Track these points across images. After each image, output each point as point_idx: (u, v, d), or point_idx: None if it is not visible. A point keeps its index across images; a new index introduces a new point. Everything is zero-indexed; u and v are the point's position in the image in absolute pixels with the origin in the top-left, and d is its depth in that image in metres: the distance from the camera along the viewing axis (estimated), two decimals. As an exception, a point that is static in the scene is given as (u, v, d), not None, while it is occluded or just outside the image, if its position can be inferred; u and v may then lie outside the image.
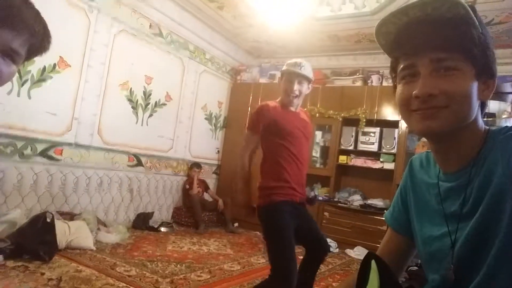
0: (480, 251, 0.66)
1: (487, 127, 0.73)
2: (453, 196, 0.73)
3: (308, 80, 2.04)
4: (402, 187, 0.91)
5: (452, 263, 0.71)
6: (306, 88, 2.06)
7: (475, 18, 0.64)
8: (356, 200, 4.79)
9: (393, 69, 0.76)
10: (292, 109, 2.08)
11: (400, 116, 0.75)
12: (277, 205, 1.91)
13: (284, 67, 2.03)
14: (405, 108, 0.71)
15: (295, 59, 2.03)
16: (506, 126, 0.71)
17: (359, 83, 5.20)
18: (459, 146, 0.71)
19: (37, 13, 0.72)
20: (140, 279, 2.57)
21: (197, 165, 5.07)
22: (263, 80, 5.69)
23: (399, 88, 0.73)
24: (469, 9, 0.64)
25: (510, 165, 0.63)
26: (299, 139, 2.03)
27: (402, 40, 0.71)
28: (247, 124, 2.19)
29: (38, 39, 0.73)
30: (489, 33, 0.69)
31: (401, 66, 0.72)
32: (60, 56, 3.46)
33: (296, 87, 1.99)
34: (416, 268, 3.09)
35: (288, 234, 1.86)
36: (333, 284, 3.12)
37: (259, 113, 2.05)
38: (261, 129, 2.02)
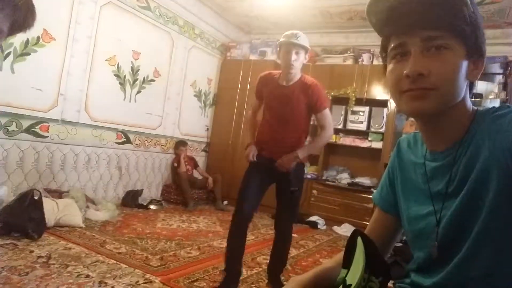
0: (464, 229, 0.68)
1: (475, 108, 0.74)
2: (439, 175, 0.74)
3: (305, 50, 2.15)
4: (389, 168, 0.93)
5: (436, 241, 0.73)
6: (303, 58, 2.18)
7: None
8: (344, 178, 4.87)
9: (384, 48, 0.76)
10: (286, 82, 2.20)
11: (390, 96, 0.76)
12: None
13: (282, 39, 2.13)
14: (396, 89, 0.71)
15: (291, 31, 2.13)
16: (493, 107, 0.72)
17: (349, 62, 5.17)
18: (447, 126, 0.72)
19: None
20: (130, 256, 2.60)
21: (183, 143, 5.03)
22: (253, 57, 5.61)
23: (390, 67, 0.73)
24: None
25: (496, 145, 0.65)
26: (284, 107, 2.22)
27: (393, 18, 0.70)
28: (256, 94, 2.42)
29: (21, 14, 0.69)
30: (479, 13, 0.69)
31: (392, 45, 0.72)
32: (44, 29, 3.33)
33: (293, 57, 2.09)
34: (401, 244, 3.18)
35: (246, 178, 2.27)
36: (320, 260, 3.19)
37: (259, 82, 2.33)
38: (265, 101, 2.31)
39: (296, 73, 2.18)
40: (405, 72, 0.67)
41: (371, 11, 0.74)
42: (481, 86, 4.43)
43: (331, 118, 2.33)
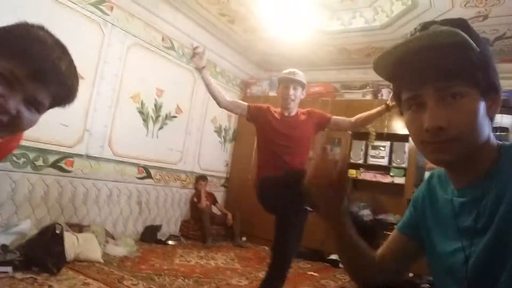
0: (496, 266, 0.65)
1: (500, 142, 0.73)
2: (467, 211, 0.73)
3: (302, 86, 2.30)
4: (416, 197, 0.92)
5: (466, 279, 0.70)
6: (300, 93, 2.33)
7: (471, 42, 0.63)
8: (366, 215, 4.72)
9: (397, 96, 0.76)
10: (288, 113, 2.34)
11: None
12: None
13: (280, 75, 2.31)
14: (417, 140, 0.71)
15: (290, 69, 2.30)
16: None
17: (369, 97, 5.18)
18: (472, 166, 0.71)
19: (69, 64, 0.71)
20: (148, 294, 2.55)
21: (202, 178, 5.05)
22: (272, 93, 5.69)
23: (407, 117, 0.73)
24: (465, 36, 0.63)
25: None
26: (292, 131, 2.33)
27: (402, 71, 0.70)
28: (251, 104, 2.48)
29: (65, 91, 0.73)
30: (487, 47, 0.69)
31: (405, 96, 0.72)
32: (73, 69, 3.51)
33: (291, 92, 2.25)
34: (429, 286, 3.02)
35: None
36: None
37: (258, 108, 2.44)
38: (260, 129, 2.40)
39: (294, 107, 2.33)
40: (424, 126, 0.67)
41: (378, 67, 0.75)
42: (506, 120, 4.32)
43: None
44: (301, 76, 2.29)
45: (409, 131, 0.74)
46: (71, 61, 0.72)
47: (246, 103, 2.51)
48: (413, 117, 0.70)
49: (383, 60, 0.72)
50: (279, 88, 2.31)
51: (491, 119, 0.71)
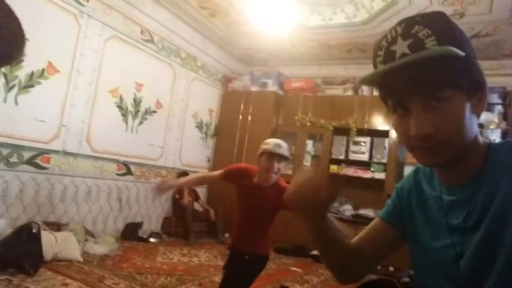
0: (487, 263, 0.66)
1: (488, 141, 0.73)
2: (457, 209, 0.73)
3: (286, 160, 2.27)
4: (400, 189, 0.91)
5: (458, 276, 0.71)
6: (283, 166, 2.28)
7: (457, 51, 0.61)
8: (347, 210, 4.79)
9: (383, 100, 0.75)
10: (268, 183, 2.25)
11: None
12: None
13: (265, 146, 2.23)
14: (405, 144, 0.71)
15: (275, 140, 2.26)
16: (507, 140, 0.72)
17: (349, 93, 5.24)
18: (462, 165, 0.71)
19: (6, 15, 0.66)
20: (130, 293, 2.50)
21: (184, 174, 4.98)
22: (254, 88, 5.68)
23: (394, 120, 0.72)
24: (453, 49, 0.61)
25: None
26: (260, 210, 2.25)
27: (386, 82, 0.70)
28: (228, 169, 2.32)
29: (7, 46, 0.67)
30: (471, 46, 0.68)
31: (391, 102, 0.71)
32: (49, 61, 3.38)
33: (276, 165, 2.20)
34: (409, 280, 3.09)
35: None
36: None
37: (238, 170, 2.32)
38: (237, 188, 2.29)
39: (274, 179, 2.29)
40: (410, 133, 0.67)
41: (365, 81, 0.74)
42: (482, 116, 4.46)
43: None
44: (285, 149, 2.25)
45: (396, 134, 0.74)
46: (7, 14, 0.66)
47: (217, 173, 2.39)
48: (400, 122, 0.70)
49: (372, 77, 0.72)
50: (263, 159, 2.23)
51: (478, 116, 0.71)
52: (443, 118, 0.65)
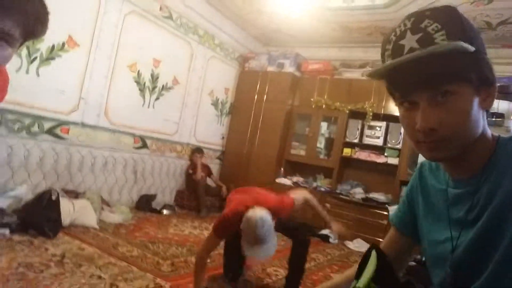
0: (482, 257, 0.66)
1: (496, 135, 0.72)
2: (461, 202, 0.73)
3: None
4: (409, 190, 0.92)
5: (450, 268, 0.72)
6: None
7: (467, 46, 0.60)
8: (358, 193, 4.81)
9: (391, 93, 0.74)
10: None
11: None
12: None
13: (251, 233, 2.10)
14: (411, 138, 0.71)
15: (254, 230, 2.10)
16: None
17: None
18: (467, 158, 0.71)
19: None
20: (142, 260, 2.62)
21: (199, 150, 5.08)
22: (271, 69, 5.66)
23: (401, 113, 0.72)
24: (463, 44, 0.60)
25: None
26: None
27: (394, 76, 0.69)
28: (217, 230, 2.18)
29: (32, 19, 0.66)
30: (481, 41, 0.66)
31: (398, 95, 0.71)
32: (69, 35, 3.45)
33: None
34: (415, 264, 3.11)
35: None
36: (331, 274, 3.15)
37: (230, 226, 2.18)
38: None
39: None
40: (416, 127, 0.67)
41: (371, 75, 0.73)
42: (502, 105, 4.34)
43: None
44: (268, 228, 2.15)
45: (403, 127, 0.74)
46: None
47: (214, 241, 2.22)
48: (406, 115, 0.70)
49: (379, 71, 0.71)
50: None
51: (487, 110, 0.70)
52: (449, 114, 0.64)
